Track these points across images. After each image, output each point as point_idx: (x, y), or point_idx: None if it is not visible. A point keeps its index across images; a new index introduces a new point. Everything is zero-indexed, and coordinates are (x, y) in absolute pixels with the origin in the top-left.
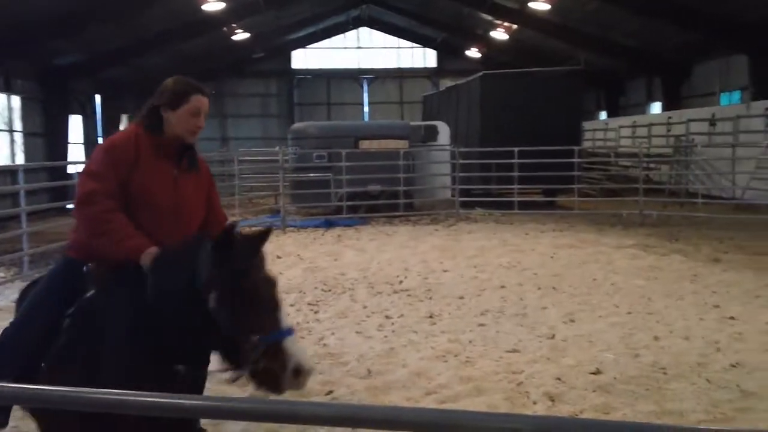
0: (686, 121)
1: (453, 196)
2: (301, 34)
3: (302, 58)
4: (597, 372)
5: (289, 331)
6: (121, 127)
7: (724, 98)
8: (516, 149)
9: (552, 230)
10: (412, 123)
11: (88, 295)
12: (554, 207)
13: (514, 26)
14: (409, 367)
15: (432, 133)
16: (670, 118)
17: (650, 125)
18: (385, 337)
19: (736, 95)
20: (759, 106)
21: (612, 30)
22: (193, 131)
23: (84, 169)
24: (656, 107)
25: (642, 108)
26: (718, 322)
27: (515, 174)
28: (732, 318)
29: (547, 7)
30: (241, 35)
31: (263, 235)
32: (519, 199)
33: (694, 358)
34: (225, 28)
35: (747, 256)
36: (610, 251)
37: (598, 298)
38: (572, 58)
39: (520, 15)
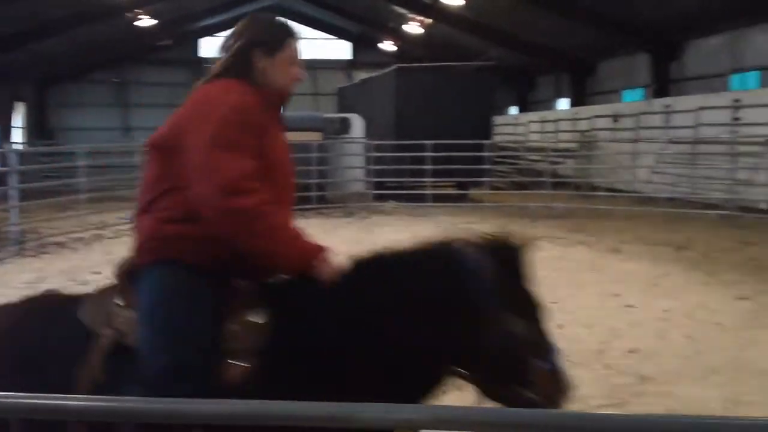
0: (591, 117)
1: (366, 188)
2: (211, 21)
3: (211, 47)
4: None
5: (557, 348)
6: (15, 116)
7: (627, 95)
8: (429, 143)
9: (464, 223)
10: (326, 115)
11: (257, 312)
12: (466, 200)
13: (429, 20)
14: None
15: (346, 126)
16: (576, 113)
17: (558, 120)
18: None
19: (639, 92)
20: (659, 103)
21: (523, 27)
22: (292, 83)
23: (210, 139)
24: (564, 103)
25: (550, 103)
26: (617, 310)
27: (428, 167)
28: (631, 306)
29: (461, 2)
30: (146, 21)
31: (524, 245)
32: (432, 192)
33: (594, 345)
34: (128, 14)
35: (646, 247)
36: None
37: None
38: (484, 53)
39: (434, 9)
